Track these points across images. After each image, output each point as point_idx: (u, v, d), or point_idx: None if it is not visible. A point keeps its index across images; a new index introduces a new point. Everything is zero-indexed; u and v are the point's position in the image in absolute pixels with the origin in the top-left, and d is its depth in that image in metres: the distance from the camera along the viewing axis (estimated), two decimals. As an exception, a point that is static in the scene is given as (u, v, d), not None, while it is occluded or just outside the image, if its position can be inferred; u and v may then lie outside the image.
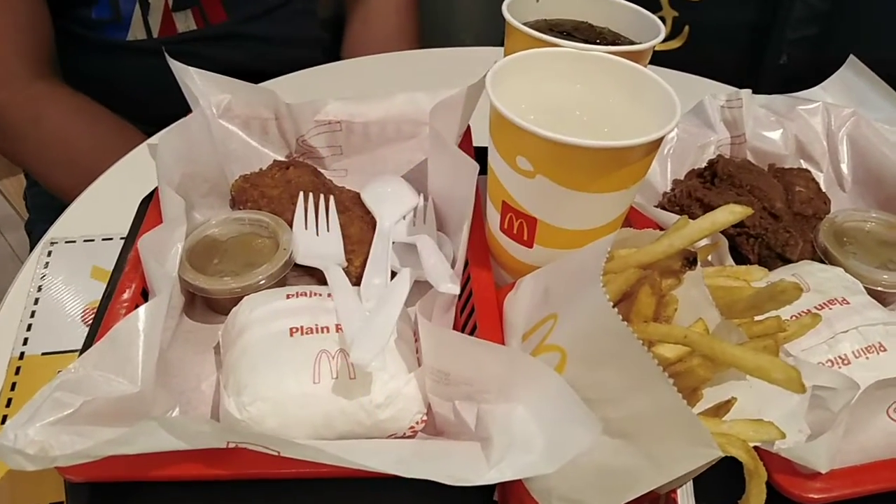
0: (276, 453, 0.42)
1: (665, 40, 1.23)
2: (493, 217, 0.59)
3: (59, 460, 0.41)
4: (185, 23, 1.11)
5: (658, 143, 0.51)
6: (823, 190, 0.75)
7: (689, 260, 0.47)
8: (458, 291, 0.51)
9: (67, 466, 0.42)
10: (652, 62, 1.11)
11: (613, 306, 0.42)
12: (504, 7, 0.63)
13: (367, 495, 0.49)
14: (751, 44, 1.19)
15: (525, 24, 0.63)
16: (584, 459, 0.43)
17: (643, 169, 0.53)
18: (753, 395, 0.46)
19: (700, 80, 1.02)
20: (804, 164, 0.78)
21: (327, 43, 1.29)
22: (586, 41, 0.65)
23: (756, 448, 0.48)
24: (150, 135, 0.89)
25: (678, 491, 0.51)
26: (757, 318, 0.50)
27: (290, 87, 0.97)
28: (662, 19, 1.24)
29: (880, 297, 0.64)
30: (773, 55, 1.18)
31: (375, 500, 0.49)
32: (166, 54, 0.69)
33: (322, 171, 0.75)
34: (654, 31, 0.63)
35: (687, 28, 1.19)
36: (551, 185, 0.52)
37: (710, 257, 0.62)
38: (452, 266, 0.59)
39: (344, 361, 0.50)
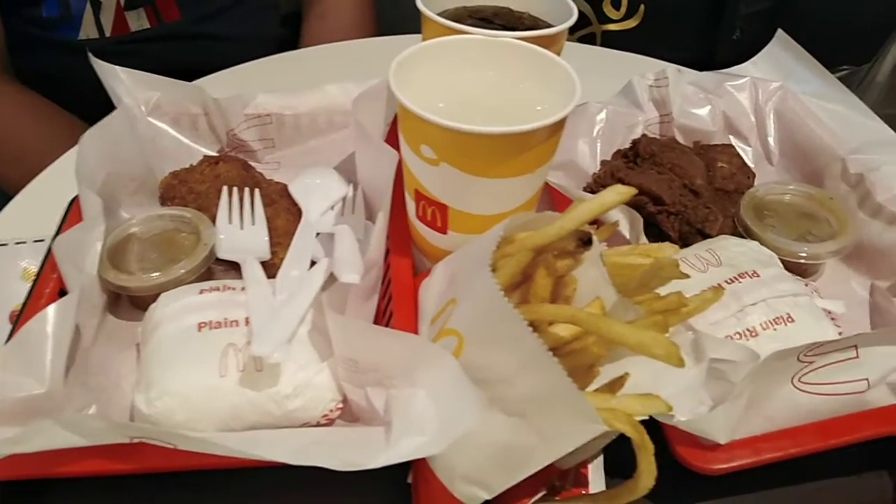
0: (172, 447, 0.43)
1: (621, 20, 1.22)
2: (410, 205, 0.60)
3: (-39, 461, 0.42)
4: (138, 21, 1.09)
5: (558, 126, 0.52)
6: (751, 165, 0.75)
7: (584, 240, 0.47)
8: (357, 281, 0.52)
9: (-29, 467, 0.43)
10: (609, 43, 1.11)
11: (510, 289, 0.43)
12: None
13: (282, 484, 0.50)
14: (705, 20, 1.20)
15: (444, 11, 0.63)
16: (483, 438, 0.44)
17: (548, 152, 0.54)
18: (650, 371, 0.47)
19: (653, 61, 1.01)
20: (733, 140, 0.78)
21: (287, 40, 1.27)
22: (505, 27, 0.65)
23: (657, 422, 0.49)
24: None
25: (589, 466, 0.52)
26: (661, 294, 0.51)
27: (238, 81, 0.96)
28: (619, -1, 1.25)
29: (800, 269, 0.65)
30: (727, 31, 1.19)
31: (291, 489, 0.50)
32: (90, 54, 0.69)
33: (254, 164, 0.75)
34: (567, 16, 0.63)
35: (642, 7, 1.19)
36: (455, 171, 0.52)
37: (627, 235, 0.63)
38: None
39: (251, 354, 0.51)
